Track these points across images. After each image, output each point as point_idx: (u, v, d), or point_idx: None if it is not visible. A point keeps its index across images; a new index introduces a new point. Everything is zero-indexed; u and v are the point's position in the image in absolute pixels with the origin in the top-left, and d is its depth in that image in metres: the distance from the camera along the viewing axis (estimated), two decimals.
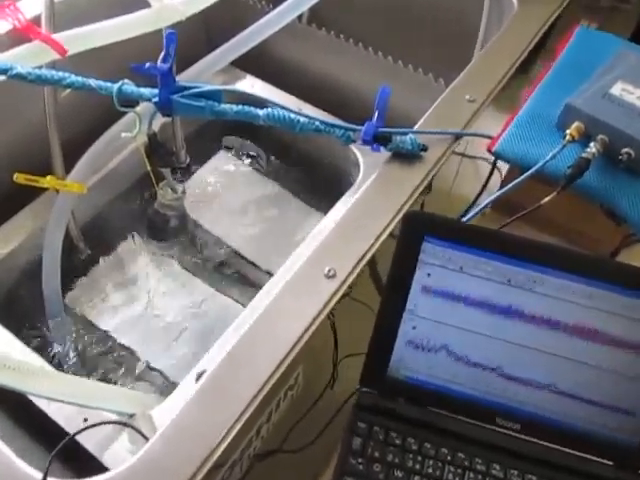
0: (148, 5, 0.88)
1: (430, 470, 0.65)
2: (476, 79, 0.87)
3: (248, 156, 1.26)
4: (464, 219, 0.72)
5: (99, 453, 0.71)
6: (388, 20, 1.20)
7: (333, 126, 0.76)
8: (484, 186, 0.87)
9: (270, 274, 1.11)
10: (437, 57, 1.15)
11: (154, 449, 0.55)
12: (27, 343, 0.97)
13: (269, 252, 1.14)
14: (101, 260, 1.08)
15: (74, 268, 1.04)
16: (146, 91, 0.76)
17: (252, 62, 1.13)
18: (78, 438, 0.64)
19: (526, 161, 0.74)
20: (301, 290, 0.64)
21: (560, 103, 0.75)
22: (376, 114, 0.77)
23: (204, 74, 0.96)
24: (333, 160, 1.18)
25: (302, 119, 0.75)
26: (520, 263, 0.64)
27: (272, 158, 1.25)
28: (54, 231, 0.91)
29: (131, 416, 0.75)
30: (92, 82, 0.77)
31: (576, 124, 0.73)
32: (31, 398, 0.71)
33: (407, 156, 0.77)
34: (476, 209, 0.72)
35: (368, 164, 1.08)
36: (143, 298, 1.05)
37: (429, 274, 0.66)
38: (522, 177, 0.71)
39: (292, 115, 0.76)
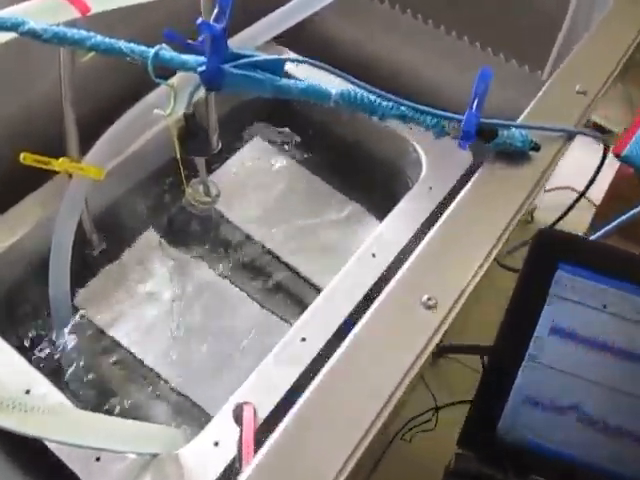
0: None
1: None
2: (585, 68, 0.72)
3: (284, 145, 1.13)
4: (591, 238, 0.57)
5: None
6: None
7: (423, 113, 0.61)
8: (581, 194, 0.71)
9: (315, 286, 0.97)
10: (515, 41, 0.99)
11: None
12: (29, 350, 0.83)
13: (313, 259, 1.01)
14: (117, 257, 0.97)
15: (86, 265, 0.93)
16: (190, 58, 0.61)
17: (295, 38, 0.97)
18: None
19: None
20: (394, 319, 0.49)
21: None
22: (475, 102, 0.61)
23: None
24: (387, 155, 1.05)
25: (385, 102, 0.60)
26: None
27: (313, 150, 1.13)
28: (65, 222, 0.80)
29: (154, 456, 0.62)
30: (122, 45, 0.62)
31: None
32: None
33: (513, 156, 0.62)
34: (608, 226, 0.57)
35: (432, 162, 0.94)
36: (164, 305, 0.94)
37: (562, 311, 0.51)
38: None
39: (372, 97, 0.60)
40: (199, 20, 0.58)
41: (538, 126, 0.64)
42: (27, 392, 0.70)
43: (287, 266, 1.00)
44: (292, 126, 1.15)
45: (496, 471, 0.54)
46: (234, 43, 0.73)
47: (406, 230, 0.87)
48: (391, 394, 0.46)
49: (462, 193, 0.60)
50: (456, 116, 0.61)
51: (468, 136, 0.61)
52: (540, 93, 0.70)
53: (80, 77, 0.75)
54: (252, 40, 0.88)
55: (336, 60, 1.09)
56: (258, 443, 0.53)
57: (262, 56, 0.62)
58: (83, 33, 0.63)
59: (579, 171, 0.74)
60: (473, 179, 0.62)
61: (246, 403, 0.69)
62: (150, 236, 0.99)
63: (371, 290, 0.80)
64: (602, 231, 0.57)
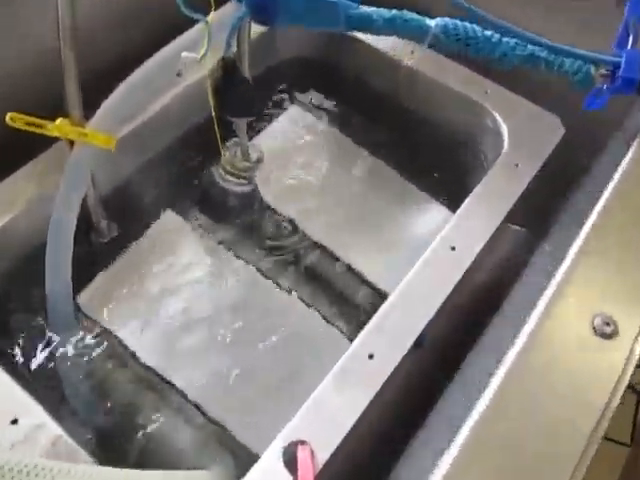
0: None
1: None
2: None
3: (327, 115, 0.98)
4: None
5: None
6: None
7: (562, 53, 0.43)
8: None
9: (371, 285, 0.81)
10: None
11: None
12: (19, 361, 0.66)
13: (369, 252, 0.84)
14: (131, 246, 0.81)
15: (92, 256, 0.78)
16: None
17: None
18: None
19: None
20: (559, 345, 0.32)
21: None
22: (630, 38, 0.43)
23: None
24: (456, 125, 0.89)
25: (506, 40, 0.42)
26: None
27: (363, 121, 0.97)
28: (65, 203, 0.66)
29: None
30: None
31: None
32: None
33: None
34: None
35: (516, 133, 0.77)
36: (189, 306, 0.78)
37: None
38: None
39: (488, 33, 0.43)
40: None
41: None
42: (14, 422, 0.54)
43: (338, 260, 0.84)
44: (338, 92, 1.00)
45: None
46: None
47: (491, 217, 0.70)
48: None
49: (617, 176, 0.43)
50: (610, 58, 0.44)
51: (628, 85, 0.43)
52: None
53: (85, 29, 0.62)
54: None
55: None
56: None
57: None
58: None
59: None
60: (627, 160, 0.44)
61: (301, 442, 0.53)
62: (170, 219, 0.84)
63: (453, 293, 0.63)
64: None
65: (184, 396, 0.70)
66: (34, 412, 0.55)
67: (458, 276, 0.65)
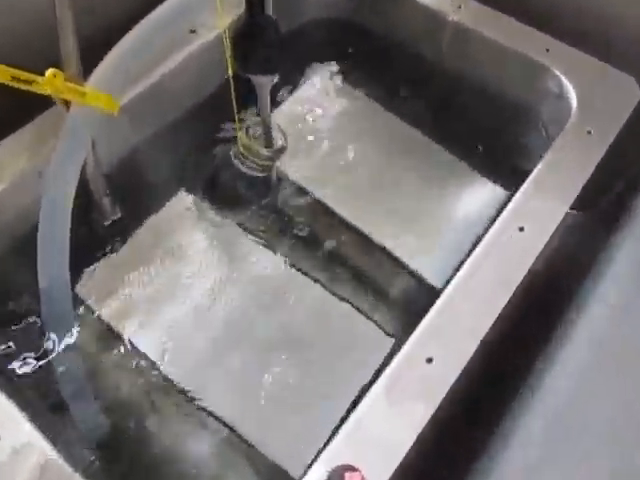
0: None
1: None
2: None
3: (358, 81, 0.88)
4: None
5: None
6: None
7: None
8: None
9: (416, 276, 0.70)
10: None
11: None
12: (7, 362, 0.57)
13: (408, 235, 0.74)
14: (137, 229, 0.72)
15: (93, 240, 0.69)
16: None
17: None
18: None
19: None
20: None
21: None
22: None
23: None
24: (508, 90, 0.78)
25: None
26: None
27: (398, 85, 0.86)
28: (60, 176, 0.57)
29: None
30: None
31: None
32: None
33: None
34: None
35: (586, 97, 0.66)
36: (203, 297, 0.68)
37: None
38: None
39: None
40: None
41: None
42: None
43: (373, 245, 0.73)
44: (369, 56, 0.89)
45: None
46: None
47: (563, 191, 0.59)
48: None
49: None
50: None
51: None
52: None
53: None
54: None
55: None
56: None
57: None
58: None
59: None
60: None
61: (349, 468, 0.43)
62: (182, 200, 0.75)
63: (526, 282, 0.53)
64: None
65: (202, 408, 0.60)
66: (21, 427, 0.46)
67: (530, 261, 0.54)
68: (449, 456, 0.53)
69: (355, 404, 0.59)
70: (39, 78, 0.53)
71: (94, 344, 0.62)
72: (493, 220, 0.71)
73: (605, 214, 0.78)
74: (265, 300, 0.68)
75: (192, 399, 0.60)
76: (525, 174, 0.68)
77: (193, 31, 0.71)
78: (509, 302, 0.54)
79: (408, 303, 0.68)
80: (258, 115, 0.67)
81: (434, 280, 0.69)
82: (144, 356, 0.63)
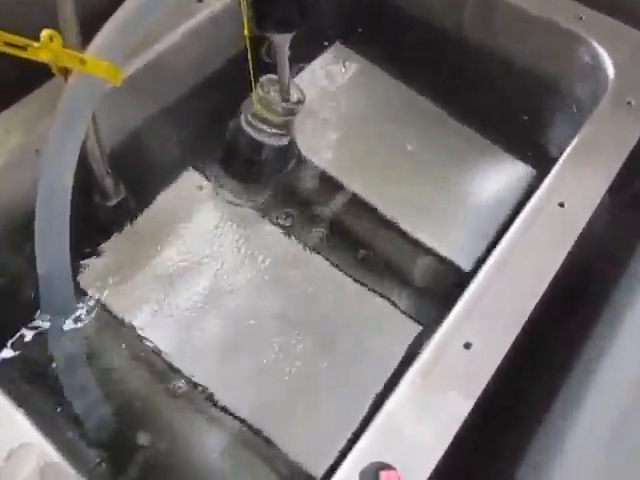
0: None
1: None
2: None
3: (376, 55, 0.83)
4: None
5: None
6: None
7: None
8: None
9: (438, 256, 0.66)
10: None
11: None
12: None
13: (430, 214, 0.70)
14: (143, 211, 0.67)
15: (95, 223, 0.65)
16: None
17: None
18: None
19: None
20: None
21: None
22: None
23: None
24: (536, 62, 0.73)
25: None
26: None
27: (418, 61, 0.80)
28: (59, 154, 0.53)
29: None
30: None
31: None
32: None
33: None
34: None
35: (624, 66, 0.61)
36: (212, 282, 0.63)
37: None
38: None
39: None
40: None
41: None
42: None
43: (393, 225, 0.69)
44: (386, 28, 0.84)
45: None
46: None
47: (605, 164, 0.54)
48: None
49: None
50: None
51: None
52: None
53: None
54: None
55: None
56: None
57: None
58: None
59: None
60: None
61: (385, 467, 0.38)
62: (190, 178, 0.70)
63: (568, 261, 0.48)
64: None
65: (215, 401, 0.55)
66: (19, 426, 0.41)
67: (573, 238, 0.50)
68: (494, 451, 0.48)
69: (380, 397, 0.55)
70: (35, 43, 0.49)
71: (98, 333, 0.58)
72: (522, 199, 0.67)
73: (636, 197, 0.73)
74: (282, 285, 0.63)
75: (204, 391, 0.56)
76: (555, 151, 0.63)
77: (200, 0, 0.67)
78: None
79: (434, 287, 0.64)
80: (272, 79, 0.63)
81: (462, 262, 0.65)
82: (152, 345, 0.58)
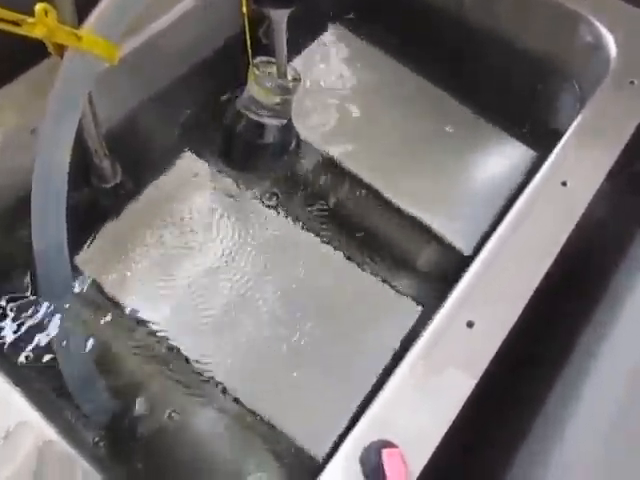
0: None
1: None
2: None
3: (372, 35, 0.81)
4: None
5: None
6: None
7: None
8: None
9: (445, 244, 0.65)
10: None
11: None
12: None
13: (432, 196, 0.69)
14: (141, 193, 0.65)
15: (93, 206, 0.63)
16: None
17: None
18: None
19: None
20: None
21: None
22: None
23: None
24: (536, 43, 0.72)
25: None
26: None
27: (419, 42, 0.79)
28: (54, 135, 0.52)
29: None
30: None
31: None
32: None
33: None
34: None
35: (627, 47, 0.61)
36: (211, 264, 0.62)
37: None
38: None
39: None
40: None
41: None
42: None
43: (394, 209, 0.68)
44: (384, 10, 0.82)
45: None
46: None
47: (609, 143, 0.54)
48: None
49: None
50: None
51: None
52: None
53: None
54: None
55: None
56: None
57: None
58: None
59: None
60: None
61: (388, 445, 0.38)
62: (188, 161, 0.69)
63: (571, 239, 0.48)
64: None
65: (214, 383, 0.54)
66: (16, 406, 0.41)
67: (576, 217, 0.49)
68: (493, 435, 0.48)
69: (381, 378, 0.54)
70: (29, 19, 0.48)
71: (95, 314, 0.57)
72: (523, 182, 0.66)
73: (636, 179, 0.73)
74: (281, 268, 0.62)
75: (202, 374, 0.55)
76: (556, 133, 0.62)
77: None
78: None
79: (434, 269, 0.63)
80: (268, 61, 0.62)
81: (462, 245, 0.64)
82: (150, 328, 0.57)
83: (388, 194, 0.68)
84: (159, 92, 0.67)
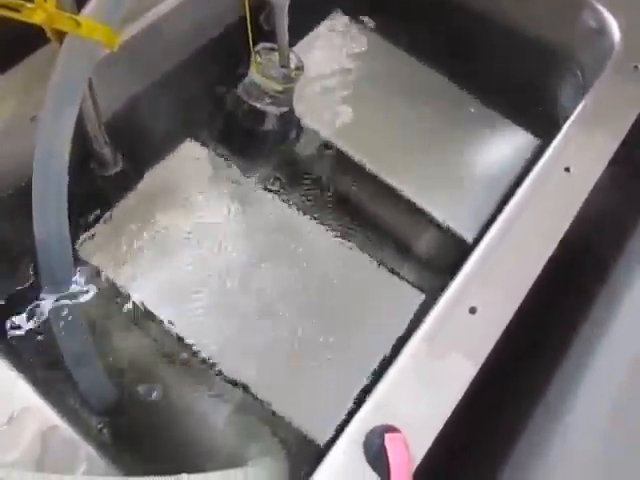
0: None
1: None
2: None
3: (375, 22, 0.80)
4: None
5: None
6: None
7: None
8: None
9: (448, 232, 0.65)
10: None
11: None
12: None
13: (433, 182, 0.68)
14: (142, 181, 0.65)
15: (93, 193, 0.62)
16: None
17: None
18: None
19: None
20: None
21: None
22: None
23: None
24: (537, 28, 0.71)
25: None
26: None
27: (417, 29, 0.79)
28: (54, 122, 0.51)
29: None
30: None
31: None
32: None
33: None
34: None
35: (631, 31, 0.60)
36: (211, 251, 0.62)
37: None
38: None
39: None
40: None
41: None
42: None
43: (395, 194, 0.67)
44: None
45: None
46: None
47: (612, 128, 0.53)
48: None
49: None
50: None
51: None
52: None
53: None
54: None
55: None
56: None
57: None
58: None
59: None
60: None
61: (391, 429, 0.38)
62: (189, 148, 0.68)
63: (574, 226, 0.47)
64: None
65: (217, 371, 0.54)
66: (21, 392, 0.41)
67: (579, 203, 0.49)
68: (494, 424, 0.48)
69: (383, 364, 0.54)
70: (28, 4, 0.48)
71: (97, 302, 0.56)
72: (526, 169, 0.66)
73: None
74: (283, 254, 0.62)
75: (205, 359, 0.55)
76: (558, 120, 0.62)
77: None
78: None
79: (436, 256, 0.63)
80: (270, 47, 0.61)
81: (464, 232, 0.64)
82: (152, 315, 0.57)
83: (391, 181, 0.67)
84: (159, 79, 0.66)
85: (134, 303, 0.58)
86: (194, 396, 0.53)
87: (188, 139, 0.68)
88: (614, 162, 0.58)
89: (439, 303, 0.44)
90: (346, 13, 0.81)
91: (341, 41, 0.79)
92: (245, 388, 0.53)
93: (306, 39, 0.78)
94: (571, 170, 0.51)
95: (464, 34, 0.76)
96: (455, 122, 0.72)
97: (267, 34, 0.63)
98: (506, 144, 0.71)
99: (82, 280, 0.58)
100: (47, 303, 0.54)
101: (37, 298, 0.54)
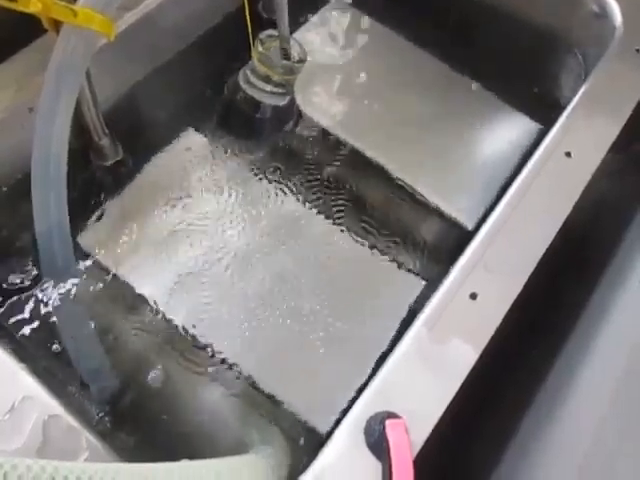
0: None
1: None
2: None
3: (374, 9, 0.79)
4: None
5: None
6: None
7: None
8: None
9: (448, 219, 0.65)
10: None
11: None
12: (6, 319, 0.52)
13: (434, 170, 0.68)
14: (141, 171, 0.64)
15: (93, 185, 0.62)
16: None
17: None
18: None
19: None
20: None
21: None
22: None
23: None
24: (538, 15, 0.71)
25: None
26: None
27: (418, 16, 0.78)
28: (52, 112, 0.51)
29: None
30: None
31: None
32: None
33: None
34: None
35: (633, 15, 0.60)
36: (213, 241, 0.62)
37: None
38: None
39: None
40: None
41: None
42: None
43: (396, 183, 0.67)
44: None
45: None
46: None
47: (613, 113, 0.53)
48: None
49: None
50: None
51: None
52: None
53: None
54: None
55: None
56: None
57: None
58: None
59: None
60: None
61: (392, 416, 0.38)
62: (189, 138, 0.67)
63: (577, 210, 0.47)
64: None
65: (219, 360, 0.54)
66: (22, 381, 0.41)
67: (580, 188, 0.49)
68: (494, 410, 0.48)
69: (384, 353, 0.54)
70: None
71: (98, 293, 0.56)
72: (527, 155, 0.65)
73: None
74: (284, 244, 0.62)
75: (207, 349, 0.55)
76: (560, 106, 0.61)
77: None
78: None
79: (437, 244, 0.63)
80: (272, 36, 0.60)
81: (465, 219, 0.63)
82: (153, 304, 0.57)
83: (391, 169, 0.67)
84: (158, 68, 0.66)
85: (135, 293, 0.57)
86: (195, 384, 0.53)
87: (187, 128, 0.67)
88: (615, 147, 0.58)
89: (440, 289, 0.44)
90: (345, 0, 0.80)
91: (340, 28, 0.78)
92: (246, 377, 0.53)
93: (306, 25, 0.77)
94: (572, 155, 0.51)
95: (464, 20, 0.75)
96: (455, 109, 0.72)
97: (266, 22, 0.63)
98: (507, 130, 0.71)
99: (82, 270, 0.58)
100: (48, 294, 0.54)
101: (38, 289, 0.55)
